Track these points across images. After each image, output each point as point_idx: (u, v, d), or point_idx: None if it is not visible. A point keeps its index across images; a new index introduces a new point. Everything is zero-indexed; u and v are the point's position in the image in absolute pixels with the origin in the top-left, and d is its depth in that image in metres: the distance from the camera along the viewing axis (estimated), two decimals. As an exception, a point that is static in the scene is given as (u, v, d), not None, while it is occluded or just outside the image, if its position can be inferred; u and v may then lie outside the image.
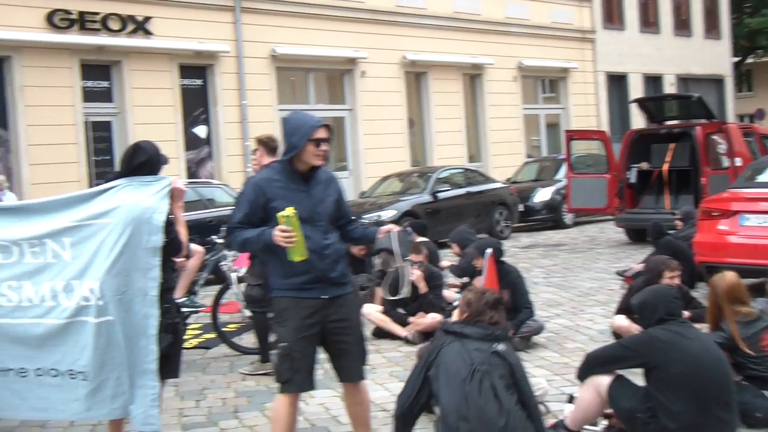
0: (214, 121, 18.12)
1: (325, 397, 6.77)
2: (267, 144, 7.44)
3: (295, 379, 4.80)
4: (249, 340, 8.86)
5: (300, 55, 19.01)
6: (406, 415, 4.86)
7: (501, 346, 4.73)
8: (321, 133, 4.83)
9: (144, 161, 5.26)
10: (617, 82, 27.55)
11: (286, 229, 4.64)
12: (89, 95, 16.33)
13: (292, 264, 4.74)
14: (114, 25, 16.37)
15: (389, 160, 20.06)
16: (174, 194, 5.20)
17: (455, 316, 5.19)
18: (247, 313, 8.61)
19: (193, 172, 17.57)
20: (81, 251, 5.12)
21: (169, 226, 5.12)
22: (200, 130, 18.05)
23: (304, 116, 4.95)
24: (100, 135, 16.50)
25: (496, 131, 23.36)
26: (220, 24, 17.93)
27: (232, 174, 17.45)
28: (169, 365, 5.24)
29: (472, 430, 4.49)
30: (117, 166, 16.68)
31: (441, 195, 15.96)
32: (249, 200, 4.90)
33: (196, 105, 17.91)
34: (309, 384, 4.90)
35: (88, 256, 5.07)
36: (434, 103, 21.82)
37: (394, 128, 20.89)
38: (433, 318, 8.28)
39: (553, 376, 6.95)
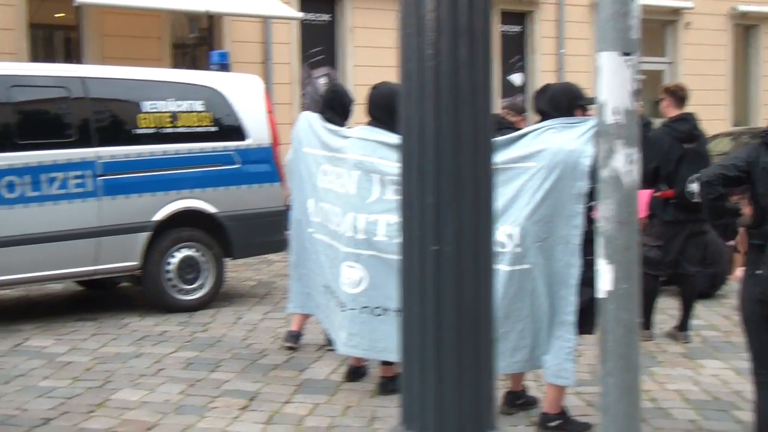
0: (530, 70, 17.75)
1: (717, 369, 6.31)
2: (675, 93, 6.95)
3: None
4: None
5: (622, 3, 18.14)
6: None
7: None
8: None
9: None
10: None
11: None
12: (412, 38, 16.46)
13: None
14: (441, -32, 16.34)
15: (709, 117, 18.78)
16: None
17: None
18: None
19: (505, 120, 17.35)
20: (498, 195, 4.90)
21: (596, 170, 4.81)
22: (516, 78, 17.76)
23: None
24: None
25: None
26: (544, -31, 17.47)
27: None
28: (586, 320, 4.96)
29: None
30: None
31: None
32: None
33: (513, 52, 17.61)
34: None
35: (505, 200, 4.84)
36: (764, 58, 20.20)
37: (717, 84, 19.56)
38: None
39: None
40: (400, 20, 1.77)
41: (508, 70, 17.58)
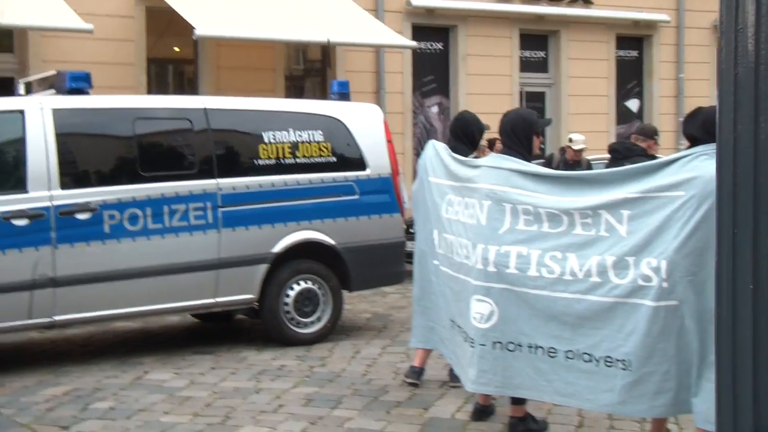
0: (647, 95, 17.26)
1: None
2: None
3: None
4: None
5: (745, 25, 17.48)
6: None
7: None
8: None
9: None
10: None
11: None
12: (525, 65, 16.19)
13: None
14: (556, -7, 16.08)
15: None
16: None
17: None
18: None
19: (622, 147, 16.88)
20: (641, 226, 4.57)
21: None
22: (632, 104, 17.29)
23: None
24: (533, 105, 16.30)
25: None
26: (662, -8, 17.00)
27: (662, 151, 16.46)
28: (739, 359, 4.58)
29: None
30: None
31: None
32: None
33: (629, 77, 17.15)
34: None
35: (648, 231, 4.51)
36: None
37: None
38: None
39: None
40: (723, 14, 1.47)
41: (624, 95, 17.12)
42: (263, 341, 8.04)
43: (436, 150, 6.09)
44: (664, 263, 4.44)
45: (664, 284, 4.45)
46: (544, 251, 4.92)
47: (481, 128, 6.49)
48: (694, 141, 4.72)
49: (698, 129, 4.72)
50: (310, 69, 15.43)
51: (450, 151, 5.97)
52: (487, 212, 5.18)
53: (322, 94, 14.28)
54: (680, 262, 4.40)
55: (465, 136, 6.40)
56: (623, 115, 17.10)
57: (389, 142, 8.39)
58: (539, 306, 4.94)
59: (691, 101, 16.95)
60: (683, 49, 17.17)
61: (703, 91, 17.18)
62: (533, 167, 5.22)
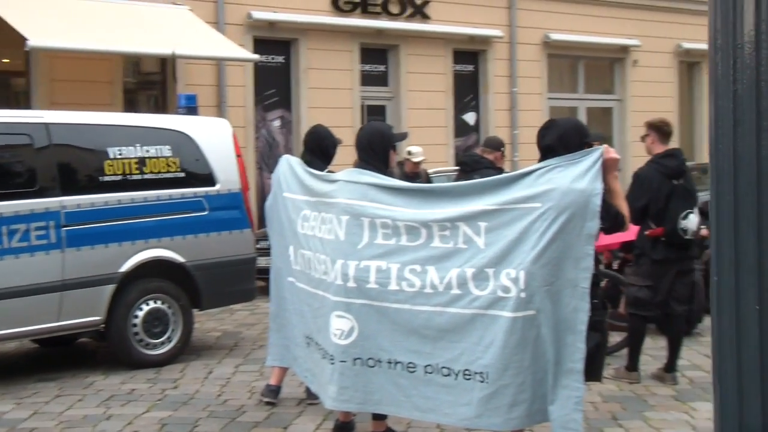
0: (483, 108, 17.76)
1: (710, 411, 6.13)
2: (660, 129, 6.83)
3: None
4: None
5: (573, 41, 18.27)
6: None
7: None
8: None
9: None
10: None
11: None
12: (366, 79, 16.35)
13: None
14: (394, 8, 16.29)
15: (658, 154, 19.01)
16: (608, 165, 4.63)
17: None
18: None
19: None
20: (498, 237, 4.68)
21: (605, 202, 4.58)
22: (469, 117, 17.75)
23: None
24: (374, 119, 16.46)
25: None
26: (495, 9, 17.50)
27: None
28: (592, 367, 4.75)
29: None
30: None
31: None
32: None
33: (466, 91, 17.61)
34: None
35: (506, 242, 4.63)
36: (707, 95, 20.48)
37: (665, 121, 19.80)
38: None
39: None
40: (718, 30, 1.44)
41: (461, 109, 17.55)
42: (110, 364, 7.75)
43: (290, 165, 6.03)
44: (522, 274, 4.54)
45: (522, 294, 4.55)
46: (404, 265, 4.95)
47: (334, 142, 6.49)
48: (549, 152, 4.85)
49: (556, 141, 4.84)
50: (149, 82, 15.03)
51: (305, 165, 5.94)
52: (346, 227, 5.18)
53: (162, 107, 13.95)
54: (537, 273, 4.52)
55: (319, 150, 6.38)
56: (461, 128, 17.52)
57: (239, 156, 8.27)
58: (400, 320, 4.96)
59: (524, 114, 17.63)
60: (516, 64, 17.77)
61: (534, 105, 17.86)
62: (391, 181, 5.26)
